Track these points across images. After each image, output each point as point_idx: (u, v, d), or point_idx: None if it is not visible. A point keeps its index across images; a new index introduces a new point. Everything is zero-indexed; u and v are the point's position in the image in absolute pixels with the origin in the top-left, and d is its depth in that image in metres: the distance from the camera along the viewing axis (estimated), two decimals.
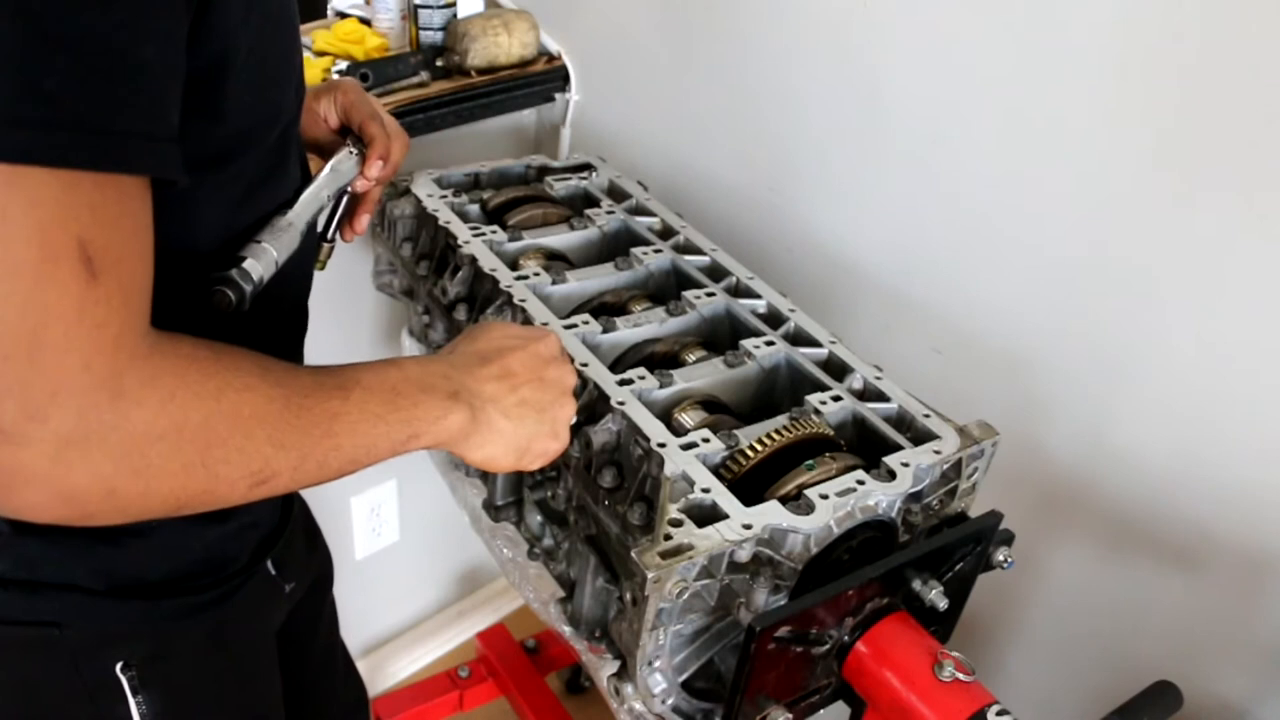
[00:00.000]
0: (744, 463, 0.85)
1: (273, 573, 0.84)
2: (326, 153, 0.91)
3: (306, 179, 0.78)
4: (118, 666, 0.72)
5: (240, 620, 0.81)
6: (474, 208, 1.20)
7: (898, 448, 0.89)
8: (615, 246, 1.17)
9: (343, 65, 1.36)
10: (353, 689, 1.19)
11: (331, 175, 0.85)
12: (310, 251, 0.78)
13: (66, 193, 0.46)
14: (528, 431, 0.71)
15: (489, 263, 1.05)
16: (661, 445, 0.84)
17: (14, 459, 0.47)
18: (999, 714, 0.74)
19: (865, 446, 0.92)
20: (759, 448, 0.85)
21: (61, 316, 0.46)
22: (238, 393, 0.53)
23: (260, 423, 0.55)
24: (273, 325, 0.74)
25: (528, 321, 0.99)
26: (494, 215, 1.19)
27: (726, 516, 0.78)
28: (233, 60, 0.56)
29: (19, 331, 0.46)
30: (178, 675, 0.76)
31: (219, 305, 0.63)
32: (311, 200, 0.76)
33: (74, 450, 0.48)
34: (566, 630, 1.01)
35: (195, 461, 0.52)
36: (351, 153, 0.90)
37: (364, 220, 0.94)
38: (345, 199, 0.90)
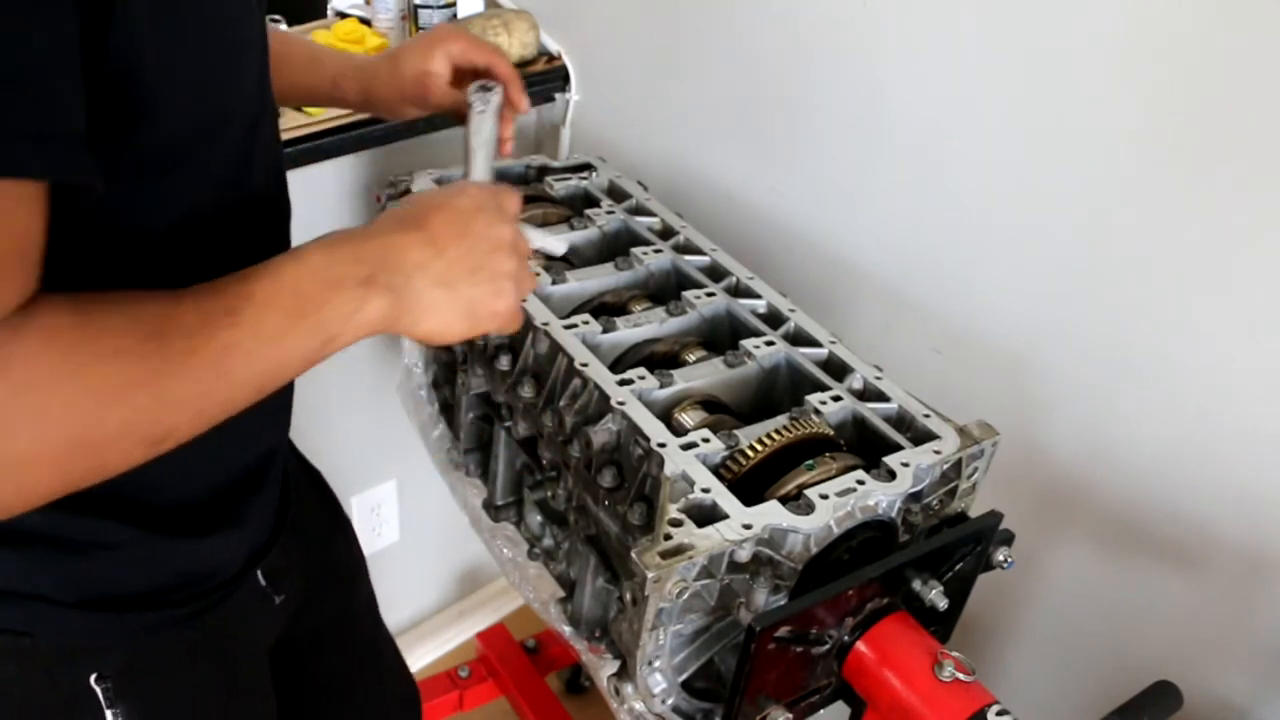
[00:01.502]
0: (744, 463, 0.85)
1: (263, 584, 0.81)
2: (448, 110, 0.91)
3: (280, 173, 0.74)
4: (91, 678, 0.70)
5: (226, 632, 0.79)
6: None
7: (898, 448, 0.89)
8: (615, 246, 1.17)
9: None
10: (403, 686, 1.15)
11: (482, 119, 0.83)
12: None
13: None
14: (466, 295, 0.63)
15: None
16: (661, 445, 0.84)
17: None
18: (999, 714, 0.74)
19: (865, 446, 0.92)
20: (759, 448, 0.85)
21: None
22: (106, 362, 0.49)
23: (139, 387, 0.50)
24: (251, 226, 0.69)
25: (528, 322, 0.99)
26: None
27: (726, 516, 0.78)
28: (142, 65, 0.52)
29: None
30: (157, 687, 0.75)
31: None
32: (485, 154, 0.74)
33: None
34: (566, 630, 1.01)
35: (69, 445, 0.48)
36: (487, 91, 0.87)
37: (510, 146, 0.93)
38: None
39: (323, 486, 0.98)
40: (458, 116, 0.90)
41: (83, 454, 0.49)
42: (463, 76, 0.93)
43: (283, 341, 0.55)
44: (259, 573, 0.81)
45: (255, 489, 0.77)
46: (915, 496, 0.87)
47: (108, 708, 0.71)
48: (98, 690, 0.71)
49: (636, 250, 1.11)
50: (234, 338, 0.53)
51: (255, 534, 0.79)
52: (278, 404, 0.78)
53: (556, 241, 0.80)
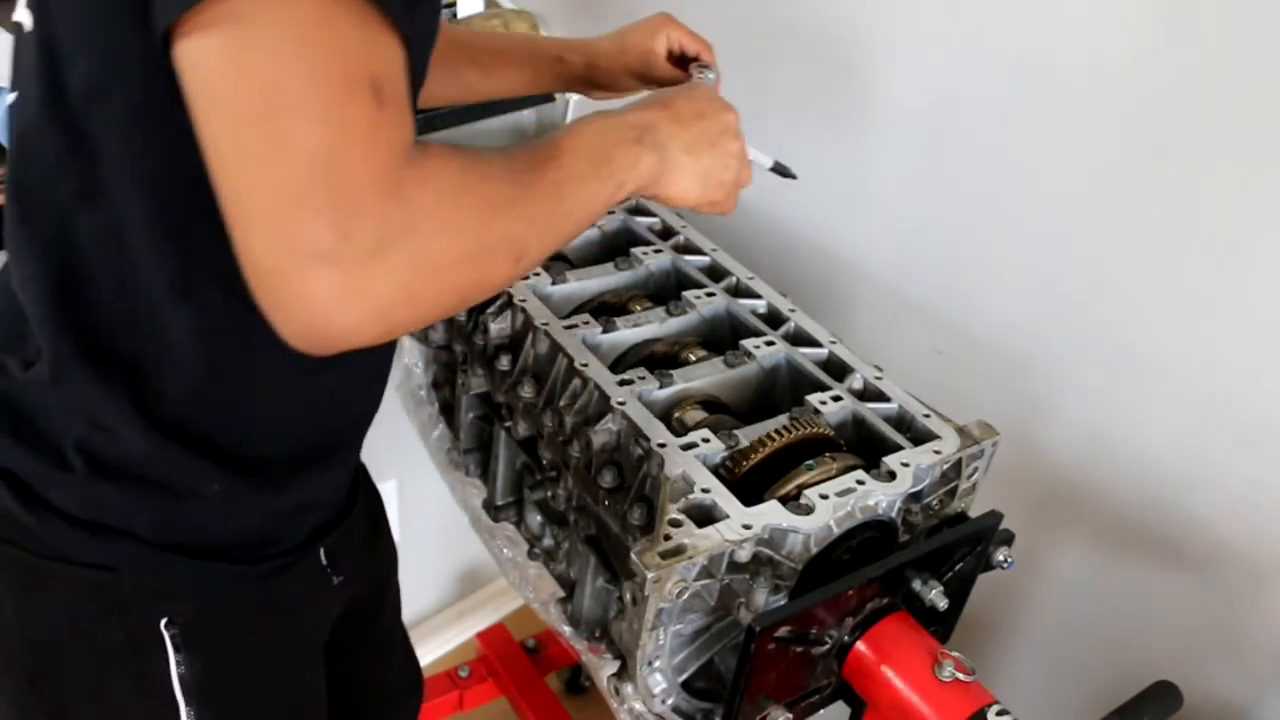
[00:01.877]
0: (744, 463, 0.85)
1: (323, 562, 0.85)
2: (667, 84, 1.00)
3: None
4: (163, 621, 0.73)
5: (287, 600, 0.82)
6: None
7: (898, 448, 0.89)
8: (615, 246, 1.17)
9: None
10: (408, 674, 1.19)
11: None
12: None
13: (366, 35, 0.51)
14: (705, 163, 0.77)
15: None
16: (661, 445, 0.84)
17: (330, 281, 0.50)
18: (999, 714, 0.74)
19: (865, 447, 0.92)
20: (759, 448, 0.85)
21: (360, 136, 0.50)
22: (486, 182, 0.58)
23: (509, 204, 0.59)
24: None
25: (528, 322, 0.99)
26: None
27: (726, 516, 0.78)
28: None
29: (330, 153, 0.49)
30: (221, 641, 0.77)
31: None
32: None
33: (378, 262, 0.51)
34: (566, 630, 1.01)
35: (470, 250, 0.56)
36: (705, 69, 0.99)
37: None
38: None
39: (371, 484, 0.99)
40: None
41: (475, 261, 0.57)
42: (672, 60, 1.03)
43: (591, 182, 0.67)
44: (321, 550, 0.83)
45: (334, 459, 0.81)
46: (915, 496, 0.87)
47: (174, 653, 0.74)
48: (166, 635, 0.74)
49: (636, 250, 1.11)
50: (559, 176, 0.64)
51: (326, 508, 0.83)
52: (372, 375, 0.81)
53: (764, 155, 0.92)
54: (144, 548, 0.71)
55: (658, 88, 1.00)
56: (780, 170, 0.94)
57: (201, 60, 0.50)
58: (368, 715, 1.09)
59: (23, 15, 0.66)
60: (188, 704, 0.76)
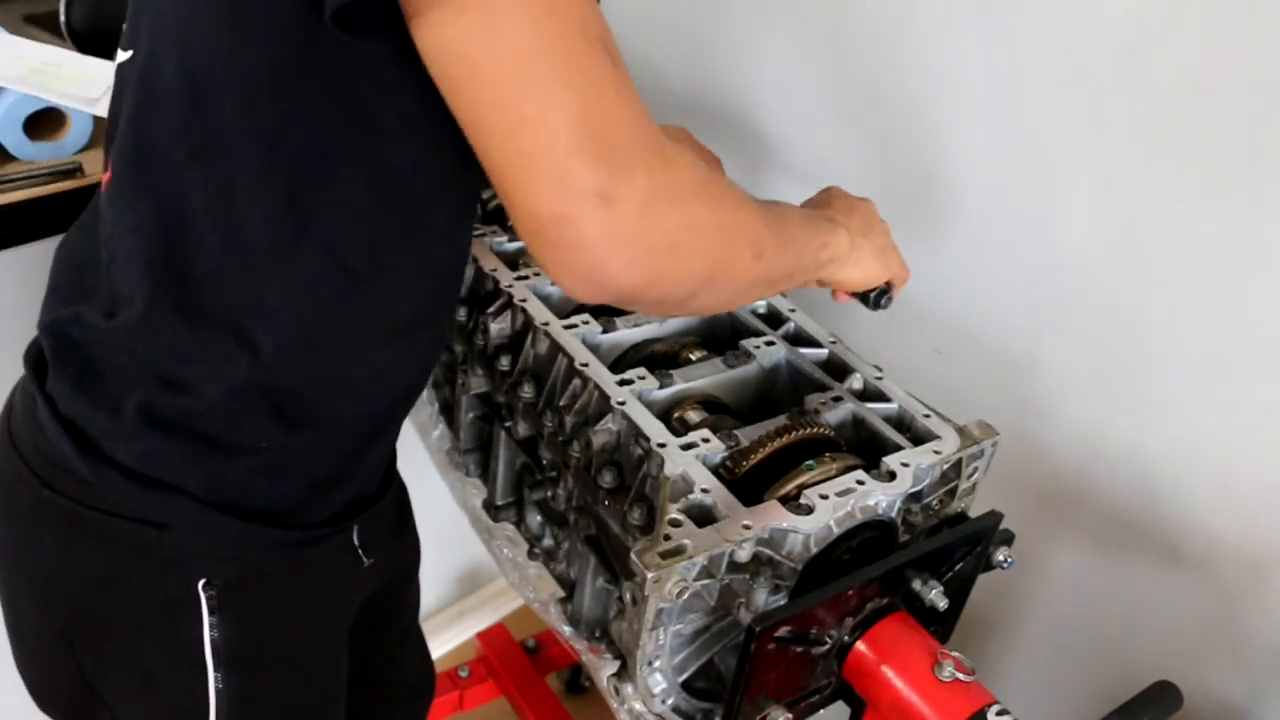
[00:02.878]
0: (744, 463, 0.85)
1: (355, 542, 0.86)
2: None
3: None
4: (201, 583, 0.74)
5: (320, 574, 0.83)
6: None
7: (898, 448, 0.89)
8: None
9: None
10: (422, 672, 1.20)
11: None
12: None
13: (587, 2, 0.55)
14: (878, 244, 0.86)
15: (489, 263, 1.05)
16: (661, 445, 0.84)
17: (614, 219, 0.54)
18: (999, 714, 0.74)
19: (865, 447, 0.92)
20: (759, 448, 0.85)
21: (616, 93, 0.55)
22: (720, 176, 0.66)
23: (746, 202, 0.65)
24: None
25: (528, 322, 0.99)
26: (493, 216, 1.19)
27: (726, 516, 0.78)
28: None
29: (594, 108, 0.54)
30: (253, 608, 0.78)
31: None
32: None
33: (650, 207, 0.55)
34: (566, 630, 1.01)
35: (723, 223, 0.62)
36: None
37: None
38: None
39: (401, 481, 1.01)
40: None
41: (727, 234, 0.62)
42: None
43: (805, 235, 0.75)
44: (355, 530, 0.84)
45: (385, 431, 0.83)
46: (915, 496, 0.87)
47: (208, 615, 0.75)
48: (203, 597, 0.75)
49: None
50: (782, 211, 0.74)
51: (364, 484, 0.85)
52: (435, 348, 0.84)
53: None
54: (193, 504, 0.72)
55: None
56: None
57: (443, 34, 0.54)
58: (376, 710, 1.09)
59: None
60: (215, 668, 0.77)
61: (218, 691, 0.78)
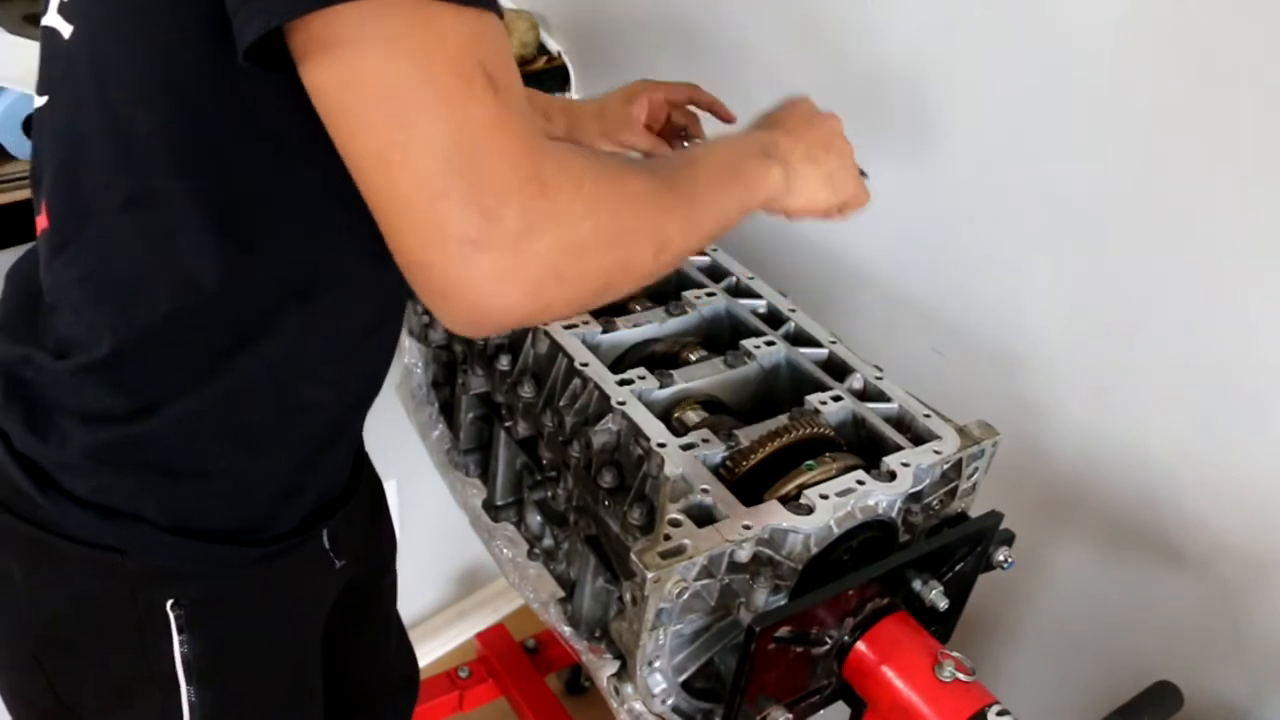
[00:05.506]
0: (744, 463, 0.85)
1: (326, 545, 0.86)
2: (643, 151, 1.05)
3: None
4: (169, 603, 0.75)
5: (289, 583, 0.83)
6: None
7: (898, 448, 0.89)
8: None
9: None
10: (403, 665, 1.20)
11: None
12: None
13: (465, 25, 0.52)
14: (827, 168, 0.81)
15: None
16: (661, 445, 0.84)
17: (485, 264, 0.52)
18: (999, 714, 0.74)
19: (865, 447, 0.92)
20: (759, 448, 0.85)
21: (487, 127, 0.52)
22: (623, 175, 0.60)
23: (649, 196, 0.61)
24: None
25: None
26: None
27: (726, 516, 0.78)
28: None
29: (461, 146, 0.51)
30: (222, 623, 0.78)
31: None
32: None
33: (527, 243, 0.53)
34: (566, 630, 1.01)
35: (613, 235, 0.58)
36: (690, 140, 1.07)
37: None
38: None
39: (372, 470, 1.01)
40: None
41: (619, 246, 0.59)
42: (669, 113, 1.08)
43: (725, 188, 0.70)
44: (324, 533, 0.85)
45: (341, 437, 0.83)
46: (915, 496, 0.87)
47: (177, 633, 0.76)
48: (171, 616, 0.75)
49: None
50: (695, 178, 0.67)
51: (327, 489, 0.84)
52: (381, 364, 0.83)
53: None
54: (152, 530, 0.73)
55: (638, 153, 1.06)
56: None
57: (318, 78, 0.52)
58: (361, 707, 1.10)
59: (56, 21, 0.67)
60: (188, 683, 0.78)
61: (191, 705, 0.78)
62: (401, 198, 0.52)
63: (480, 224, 0.51)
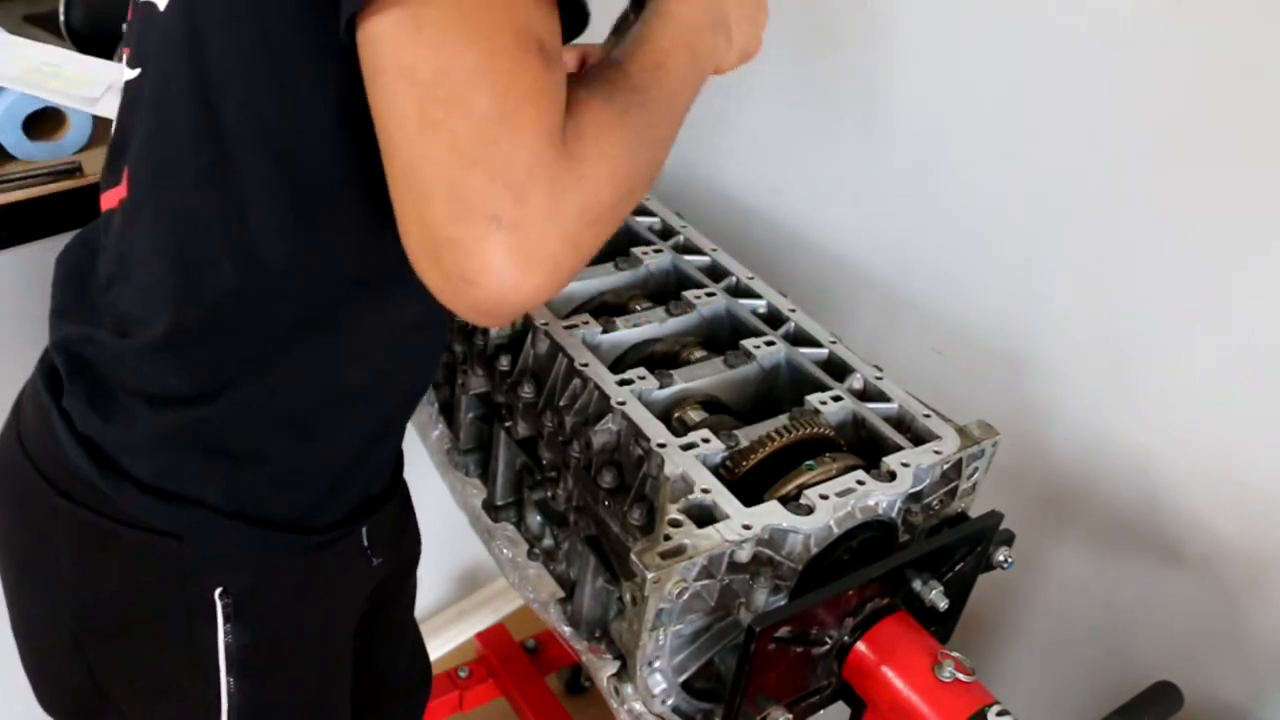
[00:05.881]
0: (744, 463, 0.85)
1: (365, 543, 0.86)
2: None
3: None
4: (217, 591, 0.75)
5: (331, 578, 0.84)
6: None
7: (898, 448, 0.89)
8: (615, 246, 1.17)
9: None
10: (418, 668, 1.20)
11: None
12: None
13: (515, 8, 0.52)
14: (749, 31, 0.78)
15: None
16: (661, 445, 0.84)
17: (510, 246, 0.51)
18: (999, 714, 0.74)
19: (865, 447, 0.92)
20: (759, 448, 0.85)
21: (531, 98, 0.52)
22: (628, 113, 0.60)
23: (648, 129, 0.62)
24: None
25: (528, 322, 0.99)
26: None
27: (726, 517, 0.78)
28: None
29: (499, 113, 0.50)
30: (267, 614, 0.79)
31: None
32: None
33: (552, 220, 0.52)
34: (566, 630, 1.01)
35: (627, 191, 0.59)
36: None
37: None
38: None
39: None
40: None
41: (630, 199, 0.60)
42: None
43: (691, 83, 0.69)
44: (364, 531, 0.85)
45: (394, 427, 0.85)
46: (915, 497, 0.87)
47: (223, 622, 0.76)
48: (219, 604, 0.76)
49: (636, 250, 1.11)
50: (670, 84, 0.65)
51: (373, 482, 0.85)
52: (433, 355, 0.84)
53: None
54: (211, 515, 0.73)
55: None
56: None
57: (381, 37, 0.51)
58: (376, 706, 1.10)
59: None
60: (228, 673, 0.78)
61: (230, 696, 0.79)
62: (434, 163, 0.51)
63: (509, 201, 0.50)
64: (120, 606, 0.77)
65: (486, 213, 0.50)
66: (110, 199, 0.75)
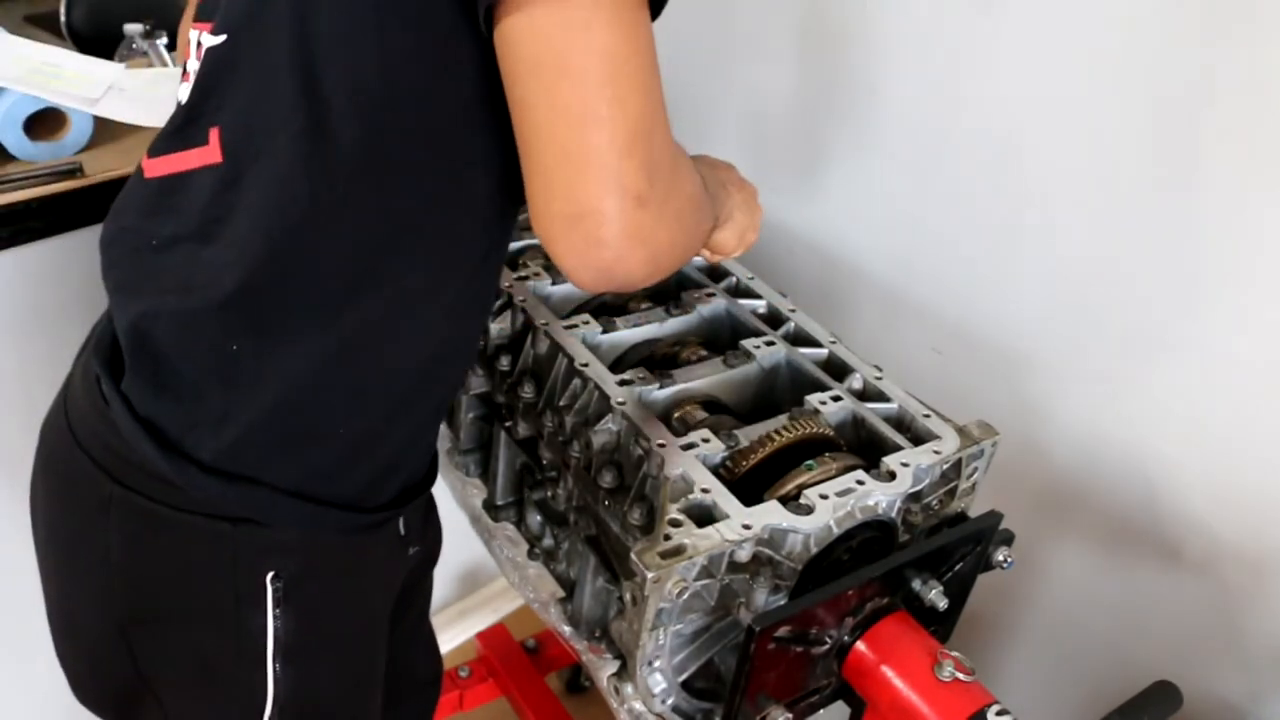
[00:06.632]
0: (744, 463, 0.85)
1: (401, 530, 0.87)
2: None
3: None
4: (269, 575, 0.76)
5: (375, 564, 0.86)
6: None
7: (898, 448, 0.89)
8: None
9: None
10: (431, 665, 1.21)
11: None
12: None
13: (648, 26, 0.62)
14: (743, 223, 0.91)
15: None
16: (661, 445, 0.84)
17: (639, 220, 0.61)
18: (999, 714, 0.74)
19: (865, 447, 0.92)
20: (759, 448, 0.85)
21: (660, 106, 0.63)
22: (693, 172, 0.71)
23: (701, 191, 0.73)
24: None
25: (528, 321, 0.99)
26: None
27: (726, 516, 0.78)
28: None
29: (647, 116, 0.61)
30: (314, 601, 0.80)
31: None
32: None
33: (667, 209, 0.63)
34: (566, 630, 1.01)
35: (696, 217, 0.71)
36: None
37: None
38: None
39: None
40: None
41: (703, 222, 0.75)
42: None
43: (710, 206, 0.80)
44: (401, 520, 0.86)
45: (437, 414, 0.86)
46: (915, 496, 0.87)
47: (273, 607, 0.77)
48: (269, 589, 0.76)
49: None
50: (712, 211, 0.81)
51: (415, 469, 0.87)
52: (477, 331, 0.87)
53: None
54: (271, 494, 0.74)
55: None
56: None
57: (542, 29, 0.59)
58: (391, 699, 1.10)
59: None
60: (275, 659, 0.78)
61: (275, 681, 0.79)
62: (594, 149, 0.60)
63: (647, 185, 0.61)
64: (170, 593, 0.77)
65: (634, 191, 0.60)
66: (175, 162, 0.74)
